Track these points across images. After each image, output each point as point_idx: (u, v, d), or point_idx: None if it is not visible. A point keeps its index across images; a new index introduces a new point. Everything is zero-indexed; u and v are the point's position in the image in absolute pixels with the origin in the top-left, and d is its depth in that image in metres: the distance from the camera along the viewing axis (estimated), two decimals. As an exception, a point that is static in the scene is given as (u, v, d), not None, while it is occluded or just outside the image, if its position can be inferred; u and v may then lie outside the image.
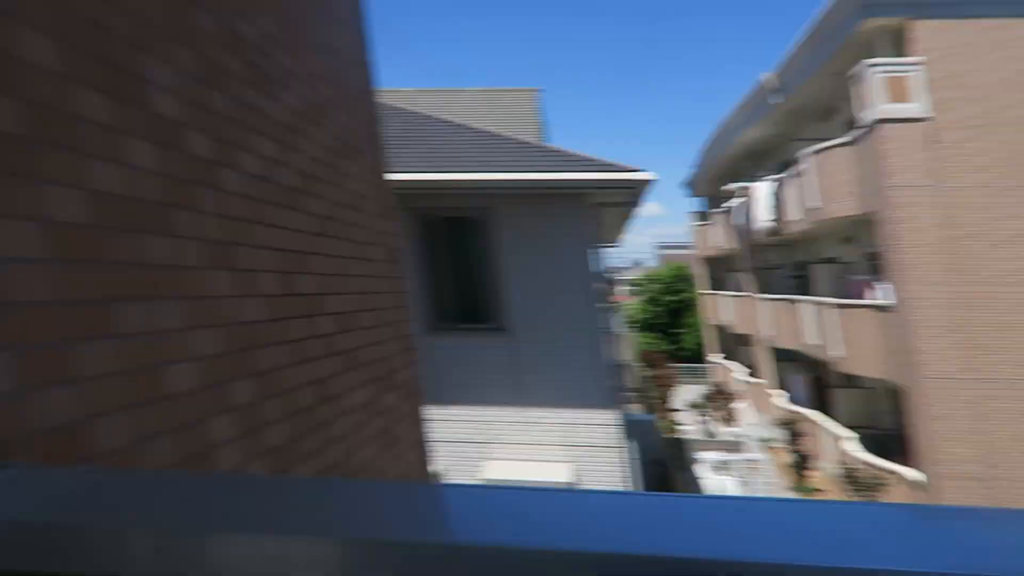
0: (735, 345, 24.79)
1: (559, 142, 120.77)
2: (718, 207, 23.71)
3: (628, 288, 42.21)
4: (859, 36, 12.81)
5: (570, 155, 8.58)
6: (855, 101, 12.97)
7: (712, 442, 18.66)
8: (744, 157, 21.85)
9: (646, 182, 7.95)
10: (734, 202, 20.40)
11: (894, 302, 12.27)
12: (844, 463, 13.50)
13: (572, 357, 8.18)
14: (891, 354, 12.44)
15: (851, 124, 13.74)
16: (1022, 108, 12.14)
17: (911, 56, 12.23)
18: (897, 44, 12.63)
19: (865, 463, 12.94)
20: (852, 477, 12.75)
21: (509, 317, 8.30)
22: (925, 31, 12.24)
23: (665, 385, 22.82)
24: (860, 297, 13.84)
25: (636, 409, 20.36)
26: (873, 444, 13.63)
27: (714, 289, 26.45)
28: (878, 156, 12.28)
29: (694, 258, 29.58)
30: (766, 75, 16.65)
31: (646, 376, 24.02)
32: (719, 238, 23.53)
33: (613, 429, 8.23)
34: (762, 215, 17.50)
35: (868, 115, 12.36)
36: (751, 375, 21.88)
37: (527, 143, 9.30)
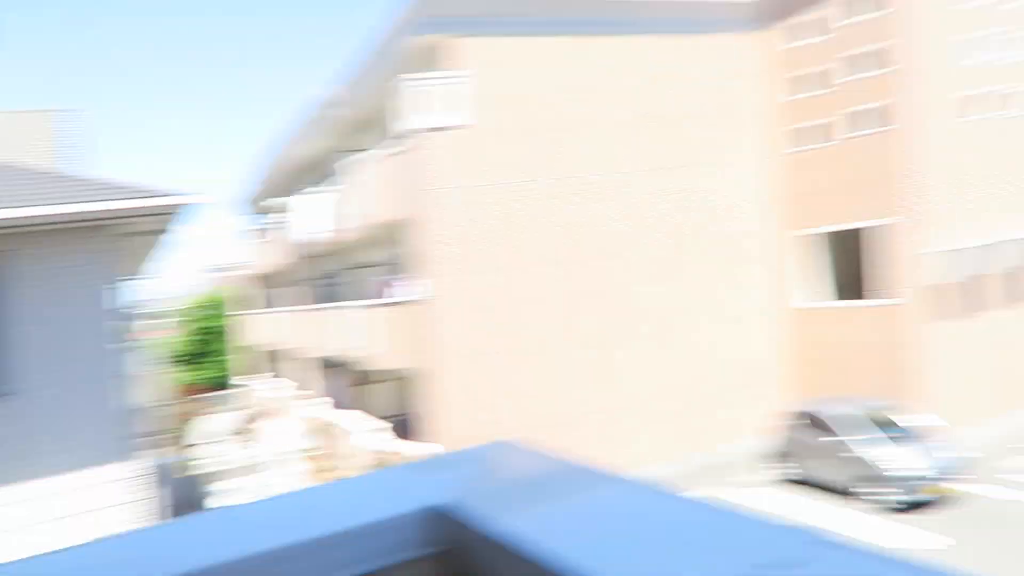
0: (281, 362, 24.80)
1: (106, 167, 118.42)
2: (274, 222, 23.35)
3: (170, 320, 38.71)
4: (410, 51, 14.21)
5: (89, 182, 7.94)
6: (394, 113, 14.29)
7: (230, 471, 19.12)
8: (303, 170, 22.11)
9: (182, 205, 7.37)
10: (289, 215, 20.37)
11: (413, 297, 14.10)
12: (355, 452, 15.01)
13: (83, 411, 7.33)
14: (412, 345, 14.18)
15: (396, 135, 14.71)
16: (553, 115, 14.80)
17: (454, 70, 13.87)
18: (443, 59, 14.11)
19: (376, 449, 14.53)
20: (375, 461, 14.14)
21: (13, 376, 7.12)
22: (470, 47, 14.01)
23: (186, 418, 23.60)
24: (382, 296, 15.34)
25: (167, 452, 20.03)
26: (402, 429, 15.18)
27: (269, 308, 25.72)
28: (415, 163, 13.93)
29: (247, 278, 28.52)
30: (324, 88, 17.39)
31: (174, 413, 24.09)
32: (273, 254, 23.39)
33: (131, 483, 7.42)
34: (312, 226, 18.24)
35: (406, 126, 13.79)
36: (300, 389, 22.04)
37: (29, 170, 8.58)
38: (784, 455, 15.10)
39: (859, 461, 13.48)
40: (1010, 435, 16.14)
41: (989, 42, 16.35)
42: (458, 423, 13.54)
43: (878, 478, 13.10)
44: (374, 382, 17.72)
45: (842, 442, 13.77)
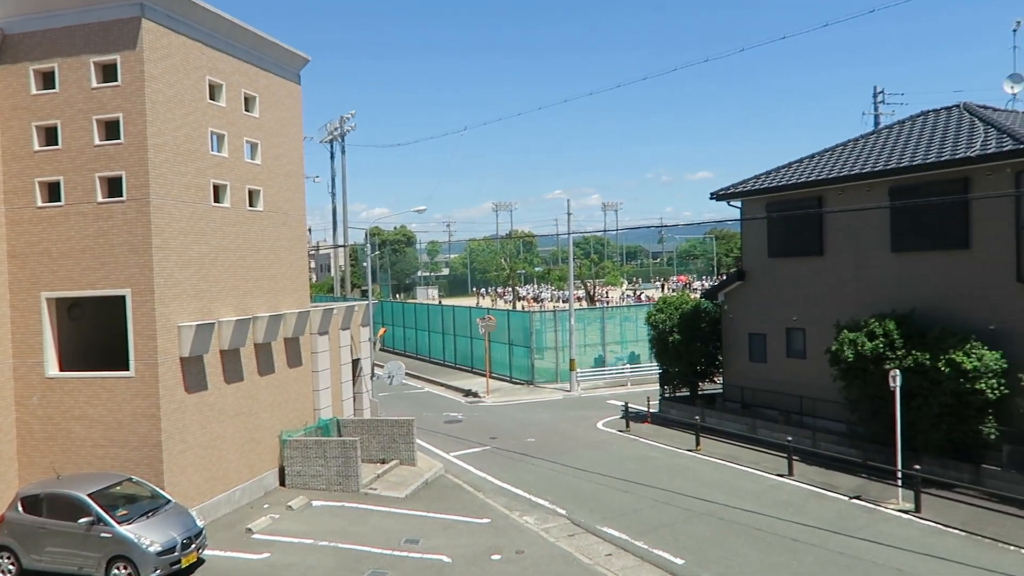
0: None
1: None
2: None
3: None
4: None
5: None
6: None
7: None
8: None
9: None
10: None
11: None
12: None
13: None
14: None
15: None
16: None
17: None
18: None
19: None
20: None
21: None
22: None
23: None
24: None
25: None
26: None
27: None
28: None
29: None
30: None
31: None
32: None
33: None
34: None
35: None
36: None
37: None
38: (10, 547, 13.39)
39: (105, 541, 12.77)
40: (255, 499, 17.68)
41: (233, 140, 17.90)
42: None
43: (128, 557, 12.63)
44: None
45: (87, 523, 12.83)
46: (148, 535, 12.85)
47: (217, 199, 17.11)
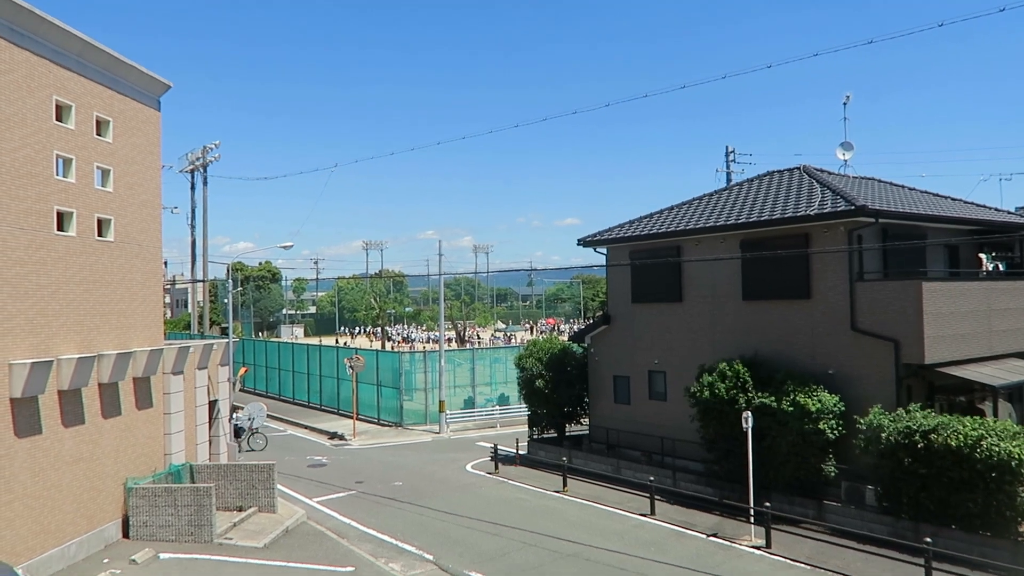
0: None
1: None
2: None
3: None
4: None
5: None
6: None
7: None
8: None
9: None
10: None
11: None
12: None
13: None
14: None
15: None
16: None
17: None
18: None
19: None
20: None
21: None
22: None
23: None
24: None
25: None
26: None
27: None
28: None
29: None
30: None
31: None
32: None
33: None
34: None
35: None
36: None
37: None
38: None
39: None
40: (94, 553, 16.14)
41: (82, 165, 16.78)
42: None
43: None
44: None
45: None
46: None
47: (61, 227, 15.85)
